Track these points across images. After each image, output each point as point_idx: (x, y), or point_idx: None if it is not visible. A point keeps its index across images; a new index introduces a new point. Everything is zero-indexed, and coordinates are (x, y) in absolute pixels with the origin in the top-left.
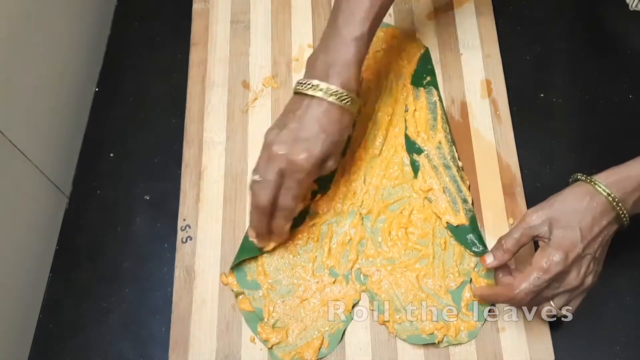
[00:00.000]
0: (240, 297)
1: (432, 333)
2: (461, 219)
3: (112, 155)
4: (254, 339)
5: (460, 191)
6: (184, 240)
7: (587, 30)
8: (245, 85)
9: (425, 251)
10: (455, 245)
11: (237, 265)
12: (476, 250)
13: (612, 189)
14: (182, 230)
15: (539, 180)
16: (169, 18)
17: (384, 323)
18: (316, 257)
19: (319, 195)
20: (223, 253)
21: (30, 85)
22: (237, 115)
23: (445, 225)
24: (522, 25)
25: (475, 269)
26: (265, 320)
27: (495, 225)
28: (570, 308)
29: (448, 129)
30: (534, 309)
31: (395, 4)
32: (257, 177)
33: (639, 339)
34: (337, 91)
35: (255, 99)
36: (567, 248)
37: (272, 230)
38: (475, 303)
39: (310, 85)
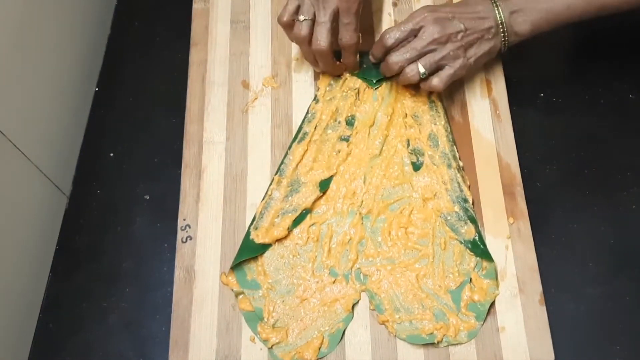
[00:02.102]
0: (240, 296)
1: (431, 333)
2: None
3: (112, 155)
4: (254, 339)
5: (461, 190)
6: (184, 240)
7: (587, 30)
8: (245, 85)
9: (425, 251)
10: (455, 245)
11: (237, 265)
12: (476, 250)
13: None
14: (182, 230)
15: (539, 180)
16: (169, 18)
17: (383, 323)
18: (316, 257)
19: (319, 194)
20: (223, 253)
21: (30, 85)
22: (237, 115)
23: (445, 222)
24: None
25: (475, 269)
26: (265, 320)
27: (495, 225)
28: (427, 65)
29: (449, 129)
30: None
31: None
32: (303, 17)
33: (639, 339)
34: None
35: (255, 99)
36: (436, 7)
37: (342, 68)
38: (475, 303)
39: None
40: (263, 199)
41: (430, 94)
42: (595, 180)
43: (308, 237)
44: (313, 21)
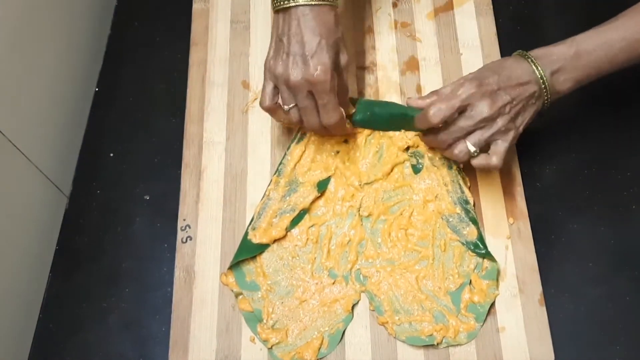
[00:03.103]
0: (240, 297)
1: (431, 334)
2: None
3: (112, 155)
4: (253, 339)
5: (462, 192)
6: (184, 240)
7: (587, 29)
8: (245, 85)
9: (425, 253)
10: (455, 247)
11: (236, 265)
12: (479, 251)
13: (535, 56)
14: (182, 230)
15: (539, 180)
16: (169, 18)
17: (383, 324)
18: (315, 258)
19: (318, 194)
20: (223, 253)
21: (30, 85)
22: (237, 115)
23: (447, 224)
24: (522, 25)
25: (475, 271)
26: (265, 321)
27: (495, 225)
28: (478, 142)
29: None
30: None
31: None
32: (287, 107)
33: (639, 339)
34: None
35: (255, 99)
36: (482, 79)
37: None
38: (475, 304)
39: None
40: (261, 199)
41: None
42: (595, 180)
43: (307, 239)
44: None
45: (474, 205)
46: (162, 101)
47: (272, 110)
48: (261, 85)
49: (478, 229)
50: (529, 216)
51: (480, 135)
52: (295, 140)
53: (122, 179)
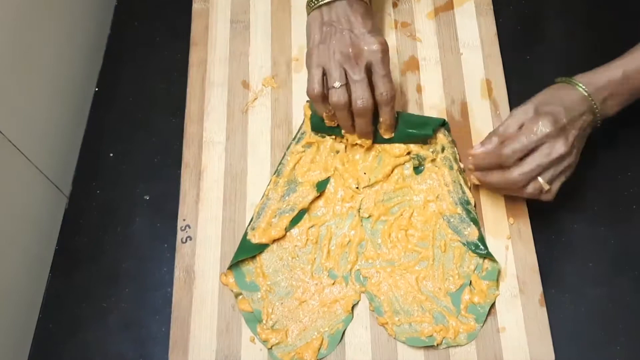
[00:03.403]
0: (240, 297)
1: (431, 335)
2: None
3: (112, 155)
4: (253, 339)
5: (463, 192)
6: (184, 240)
7: (587, 29)
8: (245, 85)
9: (425, 253)
10: (455, 247)
11: (236, 266)
12: (480, 252)
13: (584, 84)
14: (182, 230)
15: None
16: (169, 18)
17: (383, 325)
18: (315, 258)
19: (317, 194)
20: (223, 253)
21: (30, 85)
22: (237, 115)
23: (448, 224)
24: (522, 25)
25: (475, 272)
26: (264, 322)
27: (496, 226)
28: (551, 179)
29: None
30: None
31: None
32: (337, 84)
33: (639, 339)
34: None
35: (255, 99)
36: (555, 116)
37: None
38: (475, 305)
39: None
40: (261, 199)
41: None
42: (595, 180)
43: (307, 239)
44: (347, 84)
45: (474, 205)
46: (162, 101)
47: (322, 97)
48: (261, 85)
49: (479, 229)
50: (529, 216)
51: (554, 172)
52: (295, 140)
53: (122, 179)
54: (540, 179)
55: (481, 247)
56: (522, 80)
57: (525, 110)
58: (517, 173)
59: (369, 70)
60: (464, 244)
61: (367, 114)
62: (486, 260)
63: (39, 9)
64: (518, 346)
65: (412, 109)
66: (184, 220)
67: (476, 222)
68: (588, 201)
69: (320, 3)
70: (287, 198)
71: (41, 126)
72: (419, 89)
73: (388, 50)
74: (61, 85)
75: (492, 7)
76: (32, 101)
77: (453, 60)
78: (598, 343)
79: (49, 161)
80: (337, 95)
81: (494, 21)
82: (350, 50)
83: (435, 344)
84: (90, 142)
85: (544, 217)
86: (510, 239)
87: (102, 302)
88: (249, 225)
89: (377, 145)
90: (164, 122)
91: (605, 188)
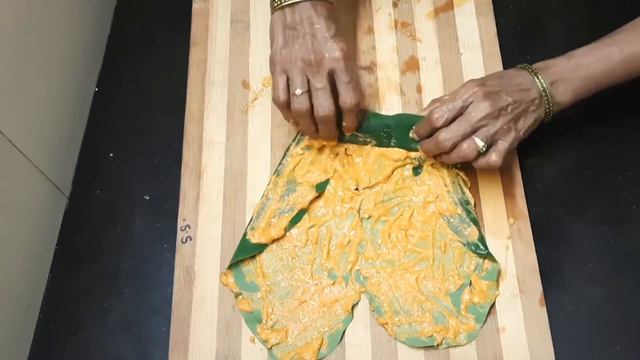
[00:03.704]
0: (240, 297)
1: (431, 335)
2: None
3: (112, 155)
4: (253, 339)
5: (463, 193)
6: (184, 240)
7: (587, 29)
8: (245, 85)
9: (425, 253)
10: (455, 248)
11: (236, 266)
12: (480, 252)
13: (535, 66)
14: (182, 230)
15: (539, 181)
16: (169, 18)
17: (383, 325)
18: (315, 259)
19: (316, 194)
20: (223, 253)
21: (30, 85)
22: (237, 115)
23: (448, 224)
24: (522, 25)
25: (475, 272)
26: (264, 322)
27: (496, 225)
28: (485, 138)
29: None
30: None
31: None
32: (299, 91)
33: (639, 339)
34: None
35: (255, 99)
36: (484, 81)
37: (335, 134)
38: (475, 305)
39: None
40: (260, 199)
41: None
42: (595, 180)
43: (307, 239)
44: (309, 91)
45: (474, 205)
46: (162, 101)
47: (287, 105)
48: (261, 85)
49: (479, 229)
50: (529, 216)
51: (485, 132)
52: (295, 141)
53: (122, 179)
54: (475, 137)
55: (481, 247)
56: None
57: (471, 82)
58: (444, 133)
59: (332, 77)
60: (464, 245)
61: (330, 121)
62: (486, 260)
63: (39, 9)
64: (518, 346)
65: (412, 109)
66: (184, 220)
67: (476, 222)
68: (588, 201)
69: (284, 4)
70: (286, 198)
71: (41, 126)
72: (419, 89)
73: (351, 56)
74: (61, 85)
75: (492, 7)
76: (32, 101)
77: (453, 60)
78: (598, 343)
79: (49, 161)
80: (299, 103)
81: (494, 21)
82: (312, 57)
83: (435, 344)
84: (90, 142)
85: (544, 217)
86: (510, 239)
87: (102, 302)
88: (248, 225)
89: (376, 149)
90: (164, 122)
91: (605, 188)
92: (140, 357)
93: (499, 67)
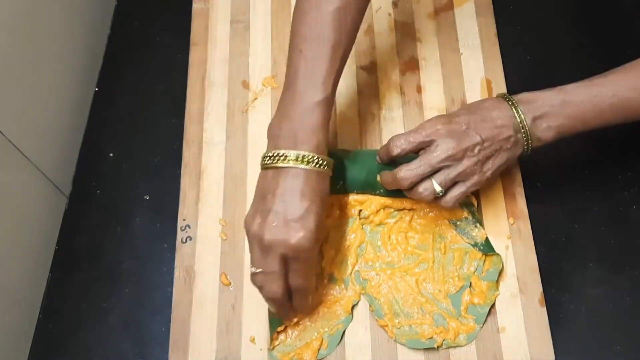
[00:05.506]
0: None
1: (431, 337)
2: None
3: (112, 155)
4: (253, 339)
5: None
6: (184, 240)
7: (587, 29)
8: (245, 85)
9: (424, 255)
10: (455, 249)
11: None
12: (491, 252)
13: (516, 100)
14: (182, 230)
15: (539, 180)
16: (169, 18)
17: (382, 327)
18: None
19: None
20: (223, 253)
21: (30, 85)
22: (237, 115)
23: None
24: (522, 25)
25: (475, 273)
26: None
27: (496, 225)
28: (443, 182)
29: None
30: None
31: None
32: (254, 269)
33: (639, 339)
34: (310, 157)
35: (255, 99)
36: (452, 117)
37: (295, 309)
38: (475, 306)
39: (279, 157)
40: None
41: None
42: (595, 180)
43: None
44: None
45: (476, 207)
46: (162, 101)
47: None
48: (261, 85)
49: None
50: (529, 216)
51: (445, 176)
52: None
53: (122, 179)
54: (433, 180)
55: (490, 247)
56: (522, 80)
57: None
58: (402, 172)
59: (286, 260)
60: (473, 246)
61: (278, 303)
62: (486, 261)
63: (39, 9)
64: (518, 346)
65: (412, 109)
66: (184, 220)
67: (481, 223)
68: (588, 201)
69: (267, 165)
70: None
71: (41, 126)
72: (419, 89)
73: (307, 247)
74: (61, 85)
75: (492, 7)
76: (32, 101)
77: (453, 60)
78: (598, 343)
79: (49, 161)
80: (253, 280)
81: (494, 21)
82: (267, 236)
83: (435, 346)
84: (90, 142)
85: (544, 217)
86: (510, 239)
87: (102, 302)
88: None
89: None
90: (164, 122)
91: (605, 188)
92: (140, 357)
93: (499, 67)
